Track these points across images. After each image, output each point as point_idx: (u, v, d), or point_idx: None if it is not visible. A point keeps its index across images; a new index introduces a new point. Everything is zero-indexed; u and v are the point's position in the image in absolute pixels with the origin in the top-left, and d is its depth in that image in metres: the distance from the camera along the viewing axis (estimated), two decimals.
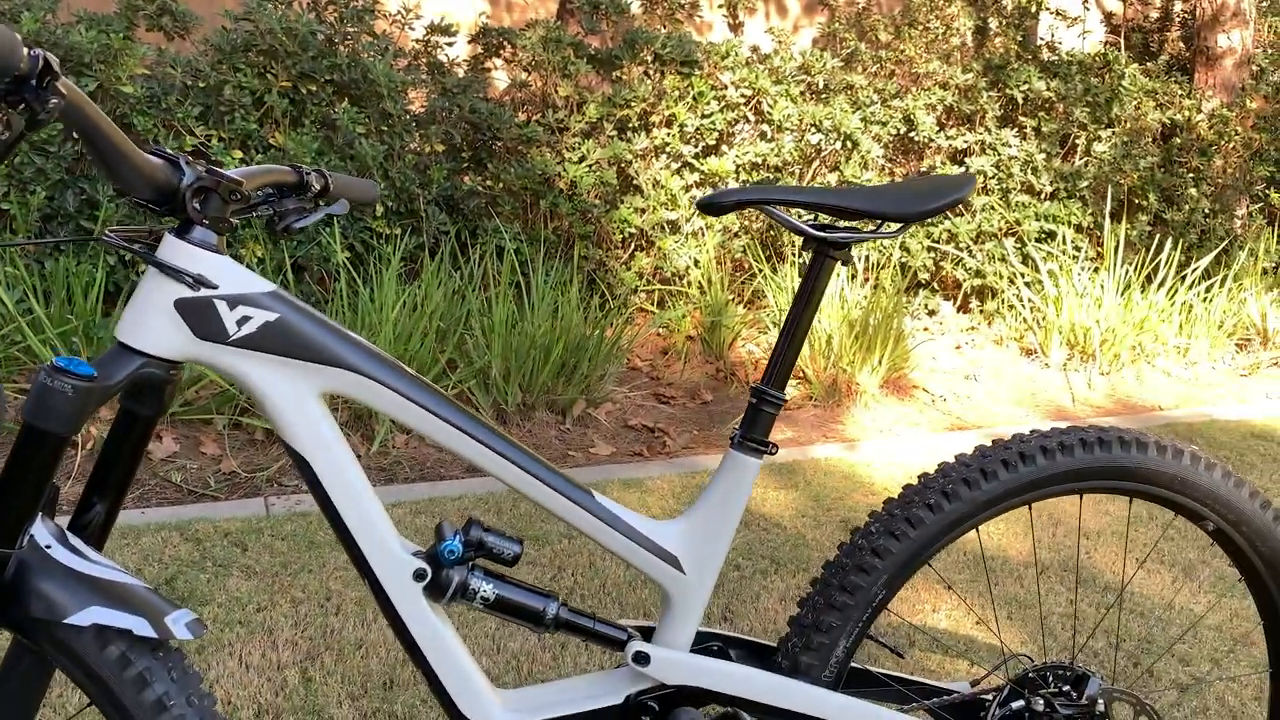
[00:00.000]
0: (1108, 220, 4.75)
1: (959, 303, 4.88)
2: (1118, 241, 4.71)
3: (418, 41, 4.03)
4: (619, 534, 1.13)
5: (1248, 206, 5.43)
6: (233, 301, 0.98)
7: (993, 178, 4.70)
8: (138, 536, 2.36)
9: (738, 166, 4.23)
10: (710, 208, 1.15)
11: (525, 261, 3.71)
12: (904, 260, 4.50)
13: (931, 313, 4.81)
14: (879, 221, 1.17)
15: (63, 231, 3.25)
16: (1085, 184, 4.88)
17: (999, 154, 4.70)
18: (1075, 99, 4.81)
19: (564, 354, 3.37)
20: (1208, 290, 4.73)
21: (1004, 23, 5.50)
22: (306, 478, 1.05)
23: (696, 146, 4.19)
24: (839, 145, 4.41)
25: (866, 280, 4.21)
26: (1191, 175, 5.14)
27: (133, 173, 0.90)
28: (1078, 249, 4.83)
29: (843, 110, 4.37)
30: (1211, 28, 5.44)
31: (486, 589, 1.10)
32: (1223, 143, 5.16)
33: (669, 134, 4.09)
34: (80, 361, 0.92)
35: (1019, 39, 5.22)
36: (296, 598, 2.16)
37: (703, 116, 4.13)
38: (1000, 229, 4.78)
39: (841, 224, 1.17)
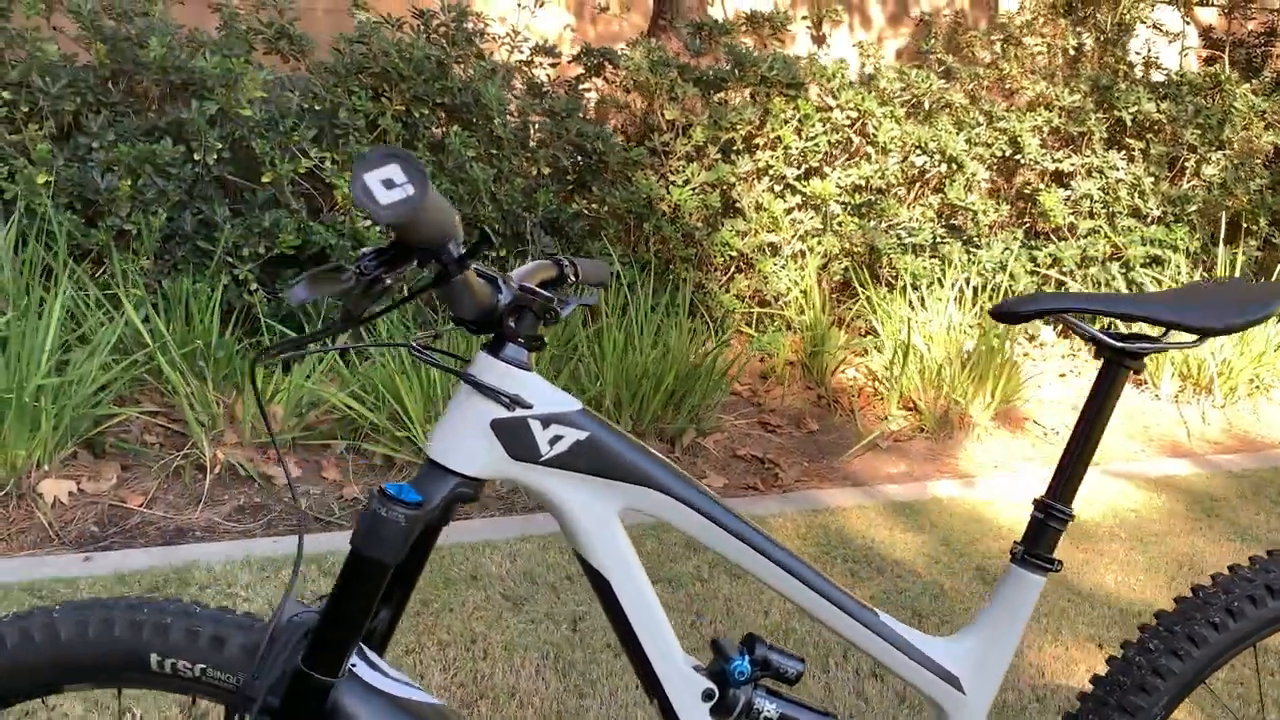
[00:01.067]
0: (1221, 246, 4.61)
1: (1060, 329, 4.77)
2: (1228, 267, 4.56)
3: (523, 63, 4.02)
4: (902, 654, 1.10)
5: None
6: (546, 421, 0.97)
7: (1098, 201, 4.59)
8: (278, 569, 2.36)
9: (840, 189, 4.16)
10: (1006, 316, 1.13)
11: (629, 285, 3.68)
12: (1009, 285, 4.41)
13: (1031, 338, 4.71)
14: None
15: (180, 251, 3.29)
16: (1194, 208, 4.74)
17: (1106, 177, 4.58)
18: (1186, 120, 4.68)
19: (675, 382, 3.34)
20: None
21: (1102, 39, 5.37)
22: (603, 595, 1.04)
23: (799, 169, 4.13)
24: (943, 168, 4.32)
25: (974, 305, 4.12)
26: None
27: (471, 298, 0.93)
28: (1187, 276, 4.70)
29: (947, 131, 4.29)
30: None
31: (770, 709, 1.08)
32: None
33: (773, 156, 4.04)
34: (408, 488, 0.93)
35: (1125, 59, 5.09)
36: (443, 640, 2.15)
37: (807, 139, 4.08)
38: (1105, 253, 4.66)
39: (1133, 330, 1.14)
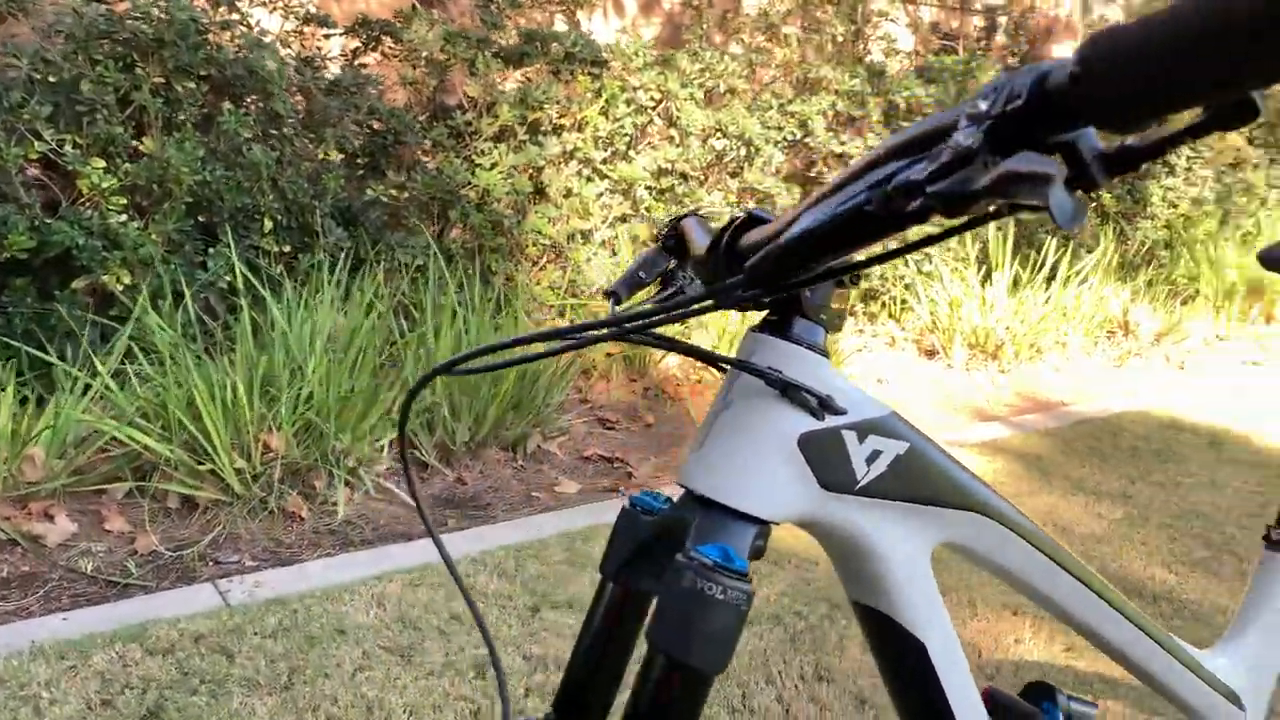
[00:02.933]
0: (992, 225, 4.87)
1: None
2: (1003, 243, 4.83)
3: (291, 33, 3.52)
4: (1194, 675, 0.89)
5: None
6: (862, 432, 0.69)
7: None
8: (85, 655, 1.83)
9: (647, 173, 3.99)
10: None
11: (438, 280, 3.31)
12: None
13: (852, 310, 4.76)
14: None
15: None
16: None
17: None
18: (950, 104, 4.91)
19: (517, 384, 3.01)
20: (1066, 286, 4.94)
21: (854, 29, 5.56)
22: (904, 661, 0.75)
23: (607, 151, 3.91)
24: (741, 151, 4.26)
25: None
26: None
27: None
28: (965, 253, 4.93)
29: (744, 116, 4.23)
30: (1045, 39, 5.73)
31: None
32: None
33: (580, 138, 3.80)
34: (726, 549, 0.63)
35: (867, 49, 5.28)
36: (333, 714, 1.73)
37: (614, 120, 3.86)
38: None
39: None
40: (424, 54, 3.65)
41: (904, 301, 4.72)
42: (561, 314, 3.88)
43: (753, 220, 0.67)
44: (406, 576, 2.26)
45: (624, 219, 3.98)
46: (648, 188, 4.03)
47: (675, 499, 0.73)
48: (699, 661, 0.61)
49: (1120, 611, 0.84)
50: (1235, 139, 5.97)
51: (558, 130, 3.78)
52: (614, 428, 3.42)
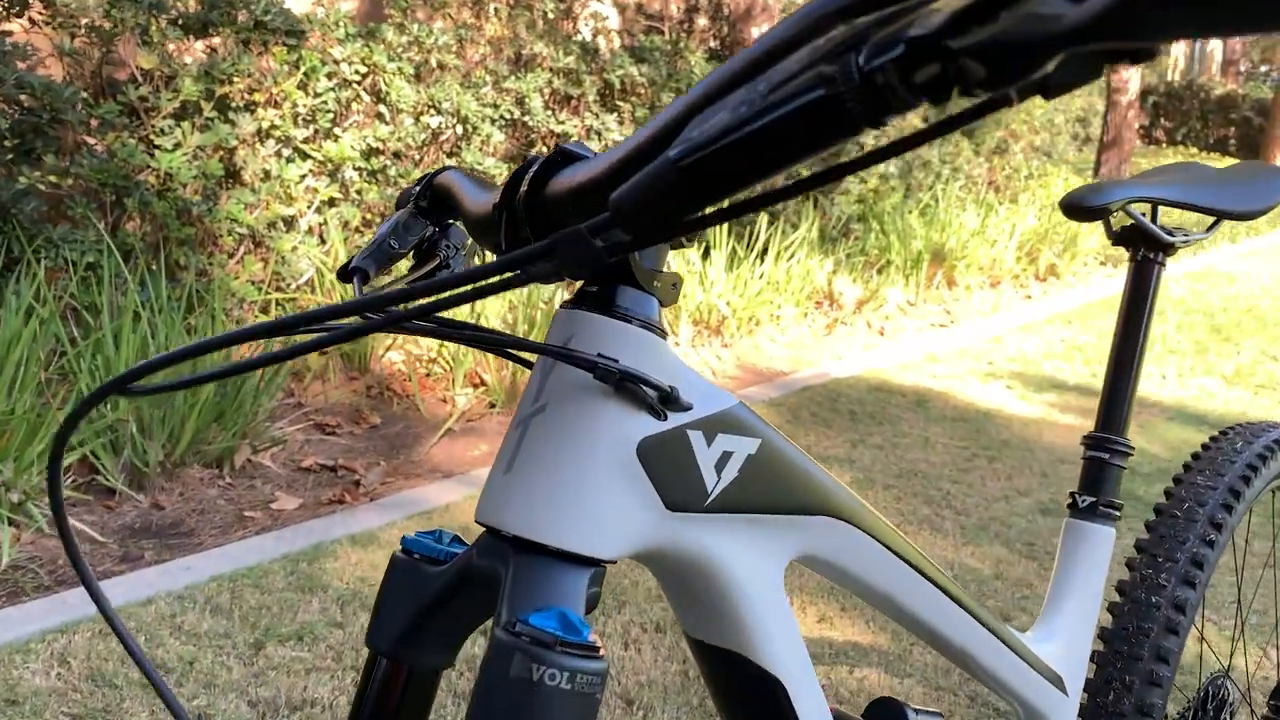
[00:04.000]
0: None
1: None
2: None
3: None
4: (1026, 664, 0.81)
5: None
6: (710, 430, 0.55)
7: None
8: None
9: (356, 152, 3.71)
10: (1079, 212, 0.87)
11: (114, 277, 2.90)
12: None
13: (546, 303, 4.68)
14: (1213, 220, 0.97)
15: None
16: None
17: (603, 138, 4.67)
18: (662, 84, 4.95)
19: (218, 392, 2.68)
20: (777, 261, 5.15)
21: (564, 6, 5.50)
22: (760, 703, 0.61)
23: (309, 129, 3.59)
24: (458, 129, 4.06)
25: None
26: None
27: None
28: None
29: (458, 92, 4.04)
30: (745, 21, 5.93)
31: None
32: None
33: (278, 115, 3.46)
34: (565, 614, 0.47)
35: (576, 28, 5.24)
36: None
37: (315, 96, 3.55)
38: None
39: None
40: (84, 21, 3.18)
41: None
42: (265, 310, 3.53)
43: (565, 157, 0.52)
44: (94, 626, 1.93)
45: (332, 203, 3.69)
46: (357, 168, 3.75)
47: (471, 540, 0.57)
48: None
49: (969, 611, 0.77)
50: (914, 120, 6.45)
51: (250, 107, 3.42)
52: (335, 432, 3.15)
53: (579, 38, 5.27)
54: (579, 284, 0.57)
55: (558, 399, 0.53)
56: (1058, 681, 0.88)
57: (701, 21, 6.67)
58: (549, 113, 4.47)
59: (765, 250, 5.01)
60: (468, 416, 3.38)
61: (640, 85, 4.91)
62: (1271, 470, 1.12)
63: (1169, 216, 0.97)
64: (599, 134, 4.65)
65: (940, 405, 3.98)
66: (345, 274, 0.66)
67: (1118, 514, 0.98)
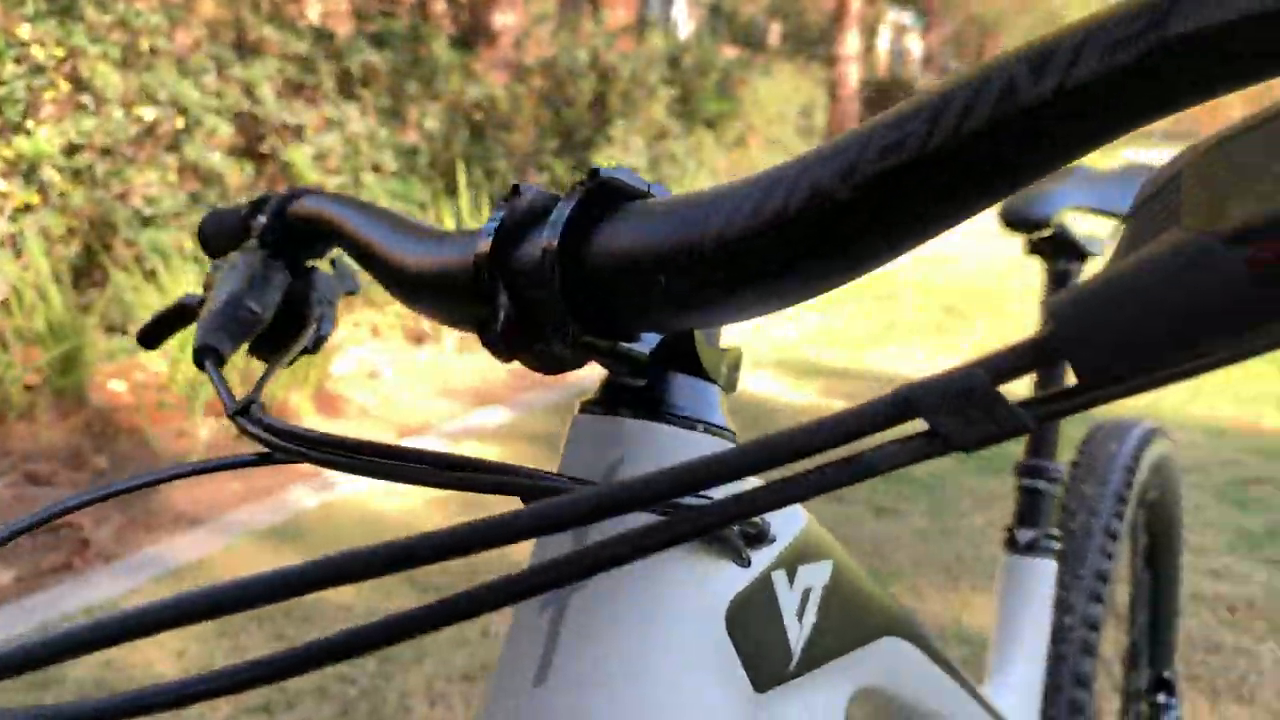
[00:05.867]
0: (464, 193, 4.72)
1: None
2: (457, 219, 4.70)
3: None
4: (984, 711, 0.69)
5: (538, 175, 5.89)
6: (790, 565, 0.38)
7: (342, 155, 4.32)
8: None
9: (59, 149, 3.18)
10: (1026, 223, 0.74)
11: None
12: None
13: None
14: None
15: None
16: (425, 160, 4.77)
17: (345, 130, 4.32)
18: (405, 72, 4.65)
19: None
20: None
21: None
22: None
23: None
24: (179, 122, 3.60)
25: None
26: (501, 148, 5.37)
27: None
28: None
29: (176, 80, 3.57)
30: (488, 6, 5.70)
31: None
32: (519, 117, 5.48)
33: None
34: None
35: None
36: None
37: (0, 84, 3.01)
38: None
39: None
40: None
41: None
42: None
43: (615, 194, 0.33)
44: None
45: (28, 208, 3.14)
46: (58, 168, 3.22)
47: None
48: None
49: (979, 699, 0.64)
50: (659, 112, 6.49)
51: None
52: (51, 482, 2.67)
53: (306, 22, 4.86)
54: (605, 375, 0.39)
55: (621, 570, 0.34)
56: None
57: (440, 5, 6.37)
58: (282, 103, 4.07)
59: None
60: (213, 450, 2.98)
61: (382, 72, 4.58)
62: (1143, 473, 1.09)
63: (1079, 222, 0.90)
64: (340, 125, 4.29)
65: None
66: (197, 354, 0.45)
67: (1058, 545, 0.91)
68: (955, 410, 0.23)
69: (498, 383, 4.05)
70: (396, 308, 4.38)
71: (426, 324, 4.32)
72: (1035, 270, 0.92)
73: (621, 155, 6.31)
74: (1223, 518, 2.75)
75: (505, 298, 0.34)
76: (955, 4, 16.84)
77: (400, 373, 3.98)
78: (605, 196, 0.33)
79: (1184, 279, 0.20)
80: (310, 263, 0.51)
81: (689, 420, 0.37)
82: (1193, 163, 0.21)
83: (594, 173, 0.33)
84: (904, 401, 0.23)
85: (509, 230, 0.34)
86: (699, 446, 0.37)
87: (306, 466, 0.40)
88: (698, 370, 0.37)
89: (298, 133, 4.21)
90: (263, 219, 0.48)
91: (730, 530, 0.36)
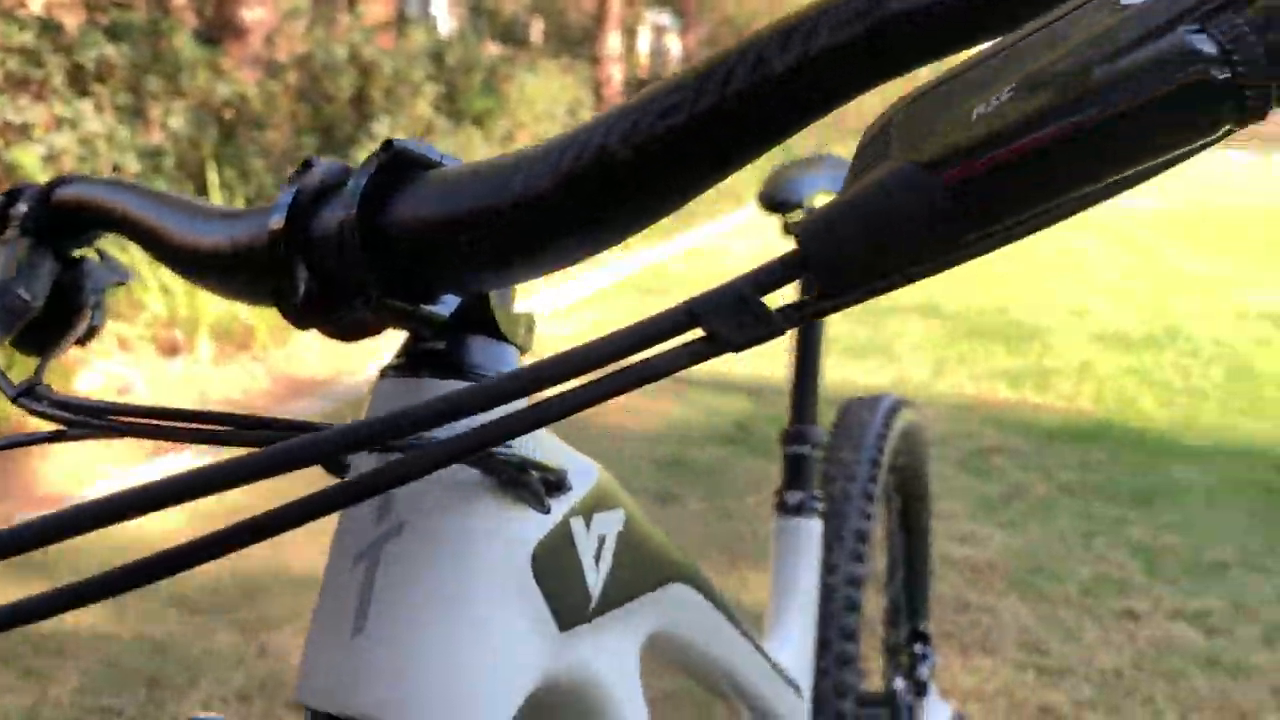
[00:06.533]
0: (216, 194, 4.46)
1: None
2: None
3: None
4: (779, 678, 0.73)
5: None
6: (587, 512, 0.42)
7: (77, 156, 3.98)
8: None
9: None
10: (784, 206, 0.77)
11: None
12: None
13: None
14: None
15: None
16: (172, 161, 4.48)
17: (79, 129, 3.98)
18: (146, 67, 4.34)
19: None
20: None
21: None
22: None
23: None
24: None
25: None
26: (255, 147, 5.12)
27: None
28: None
29: None
30: (235, 1, 5.41)
31: None
32: (274, 115, 5.25)
33: None
34: None
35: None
36: None
37: None
38: None
39: None
40: None
41: (127, 294, 4.09)
42: None
43: (408, 162, 0.35)
44: None
45: None
46: None
47: None
48: None
49: (758, 650, 0.69)
50: (424, 109, 6.37)
51: None
52: None
53: (28, 12, 4.44)
54: (406, 339, 0.40)
55: (424, 513, 0.36)
56: (795, 687, 0.85)
57: None
58: (4, 99, 3.70)
59: None
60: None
61: (119, 68, 4.26)
62: (893, 440, 1.19)
63: None
64: (72, 124, 3.96)
65: None
66: None
67: (821, 505, 0.98)
68: (728, 317, 0.27)
69: (258, 392, 3.86)
70: (146, 317, 4.09)
71: (180, 334, 4.06)
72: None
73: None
74: (965, 486, 3.01)
75: (304, 269, 0.34)
76: (710, 6, 17.50)
77: (153, 385, 3.72)
78: (400, 166, 0.34)
79: (896, 197, 0.25)
80: (78, 252, 0.49)
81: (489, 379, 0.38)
82: (899, 110, 0.26)
83: (388, 144, 0.35)
84: (687, 313, 0.27)
85: (303, 204, 0.35)
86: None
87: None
88: (495, 333, 0.40)
89: (24, 131, 3.84)
90: (23, 207, 0.46)
91: (530, 477, 0.38)
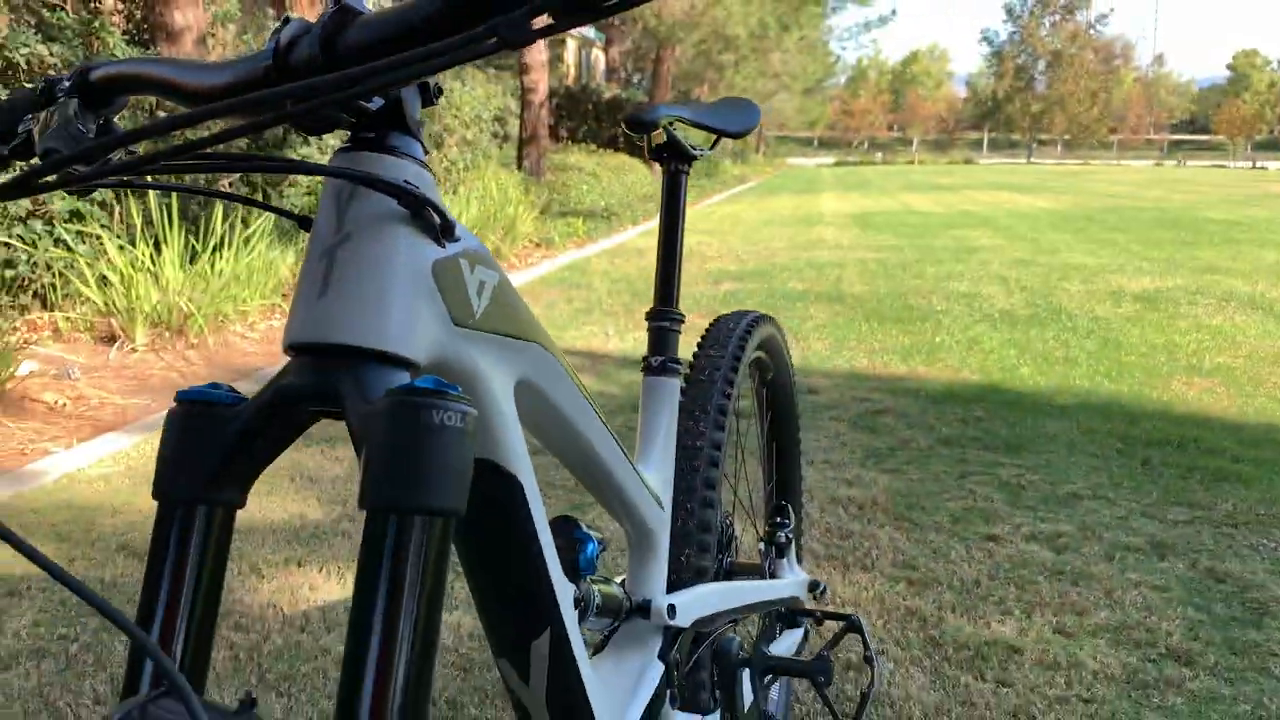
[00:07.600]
0: (152, 196, 4.59)
1: None
2: (168, 215, 4.58)
3: None
4: (642, 483, 0.97)
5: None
6: (472, 260, 0.65)
7: None
8: None
9: None
10: (641, 125, 1.02)
11: None
12: None
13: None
14: (714, 139, 1.21)
15: None
16: None
17: None
18: (81, 62, 4.47)
19: None
20: (238, 256, 4.95)
21: None
22: (499, 508, 0.72)
23: None
24: None
25: None
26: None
27: None
28: (105, 225, 4.55)
29: None
30: (168, 5, 5.53)
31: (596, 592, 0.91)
32: None
33: None
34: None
35: None
36: None
37: None
38: (26, 212, 4.21)
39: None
40: None
41: (64, 286, 4.21)
42: None
43: (347, 10, 0.55)
44: None
45: None
46: None
47: (283, 367, 0.59)
48: (441, 500, 0.52)
49: (616, 442, 0.92)
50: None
51: None
52: None
53: None
54: (352, 131, 0.61)
55: (362, 226, 0.58)
56: (658, 500, 1.08)
57: (109, 1, 6.07)
58: None
59: (222, 244, 4.78)
60: None
61: (51, 67, 4.38)
62: (754, 342, 1.45)
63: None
64: None
65: None
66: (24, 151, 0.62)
67: (679, 366, 1.21)
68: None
69: (195, 376, 4.01)
70: (84, 310, 4.21)
71: (115, 323, 4.18)
72: None
73: (312, 153, 6.31)
74: (855, 440, 3.30)
75: (286, 85, 0.57)
76: (632, 19, 17.84)
77: (91, 372, 3.85)
78: (345, 13, 0.57)
79: None
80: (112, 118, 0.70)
81: (405, 155, 0.61)
82: None
83: (338, 2, 0.57)
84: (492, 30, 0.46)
85: (286, 45, 0.57)
86: (411, 170, 0.61)
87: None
88: (405, 127, 0.62)
89: None
90: (66, 83, 0.65)
91: (431, 215, 0.60)
